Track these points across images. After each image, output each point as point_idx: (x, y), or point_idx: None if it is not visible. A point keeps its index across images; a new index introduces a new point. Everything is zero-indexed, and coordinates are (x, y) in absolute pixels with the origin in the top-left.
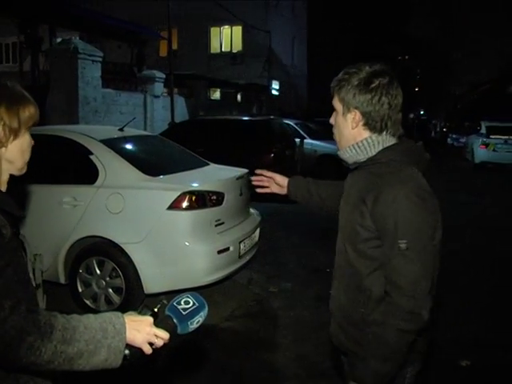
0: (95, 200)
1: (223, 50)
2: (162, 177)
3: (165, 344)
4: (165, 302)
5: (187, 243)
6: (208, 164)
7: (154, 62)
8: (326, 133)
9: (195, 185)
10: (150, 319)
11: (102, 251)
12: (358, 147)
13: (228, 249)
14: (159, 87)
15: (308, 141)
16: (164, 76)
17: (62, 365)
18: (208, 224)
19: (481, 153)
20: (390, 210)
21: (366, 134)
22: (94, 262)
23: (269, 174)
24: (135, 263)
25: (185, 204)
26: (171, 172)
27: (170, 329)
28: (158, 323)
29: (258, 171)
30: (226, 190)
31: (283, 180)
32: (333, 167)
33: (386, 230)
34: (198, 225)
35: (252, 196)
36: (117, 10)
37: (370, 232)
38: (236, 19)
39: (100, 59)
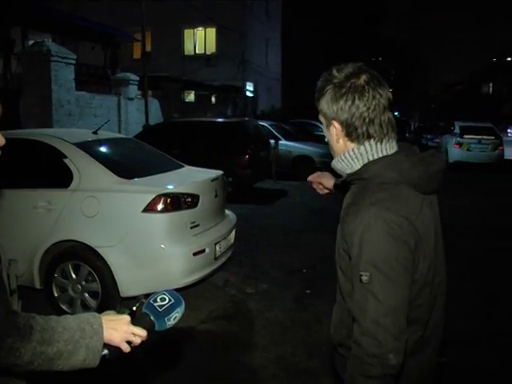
0: (70, 204)
1: (197, 51)
2: (136, 179)
3: (143, 342)
4: (143, 300)
5: (163, 246)
6: (183, 166)
7: (127, 65)
8: (301, 134)
9: (170, 187)
10: (127, 318)
11: (78, 255)
12: (342, 160)
13: (204, 251)
14: (133, 89)
15: (283, 142)
16: (138, 78)
17: (41, 365)
18: (183, 226)
19: (455, 152)
20: (356, 235)
21: (351, 145)
22: (70, 266)
23: (315, 179)
24: (111, 267)
25: (160, 206)
26: (146, 175)
27: (148, 326)
28: (135, 321)
29: (309, 178)
30: (200, 191)
31: (328, 182)
32: (308, 168)
33: (352, 255)
34: (174, 227)
35: (227, 198)
36: (90, 11)
37: (347, 254)
38: (210, 21)
39: (73, 61)
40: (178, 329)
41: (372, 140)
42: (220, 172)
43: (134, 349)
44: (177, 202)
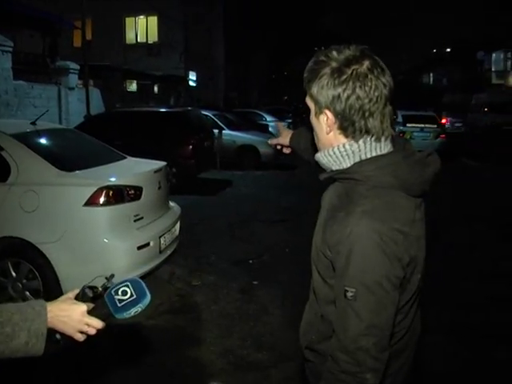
0: (8, 198)
1: (139, 40)
2: (77, 172)
3: (99, 330)
4: (110, 283)
5: (106, 240)
6: (125, 157)
7: (68, 53)
8: (245, 123)
9: (112, 179)
10: (83, 308)
11: (17, 252)
12: (330, 156)
13: (148, 244)
14: (74, 79)
15: (227, 132)
16: (78, 67)
17: None
18: (127, 219)
19: None
20: (343, 245)
21: (343, 139)
22: (9, 264)
23: (274, 142)
24: (52, 263)
25: (102, 200)
26: (87, 167)
27: (105, 317)
28: (94, 309)
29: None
30: (144, 183)
31: (285, 141)
32: (252, 158)
33: (337, 266)
34: (117, 221)
35: (171, 189)
36: None
37: (329, 260)
38: (151, 9)
39: (10, 49)
40: (124, 325)
41: (368, 137)
42: (163, 163)
43: (90, 337)
44: (119, 195)
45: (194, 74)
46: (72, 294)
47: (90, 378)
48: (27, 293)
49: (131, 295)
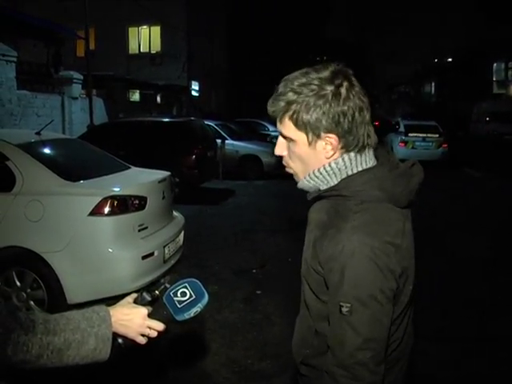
0: (13, 208)
1: (142, 50)
2: (82, 182)
3: (161, 332)
4: (167, 285)
5: (110, 250)
6: (129, 167)
7: (71, 63)
8: (247, 133)
9: (117, 189)
10: (143, 312)
11: (22, 262)
12: (317, 177)
13: (152, 254)
14: (77, 88)
15: (229, 142)
16: (82, 77)
17: (51, 358)
18: (131, 229)
19: (400, 150)
20: (336, 262)
21: (339, 156)
22: (14, 273)
23: None
24: (57, 273)
25: (106, 209)
26: (92, 177)
27: (166, 319)
28: (153, 312)
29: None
30: (148, 193)
31: None
32: (255, 168)
33: (330, 282)
34: (121, 230)
35: (175, 199)
36: (30, 7)
37: (321, 276)
38: (154, 19)
39: (14, 59)
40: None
41: (364, 145)
42: (167, 173)
43: (152, 339)
44: (124, 205)
45: (197, 83)
46: (131, 299)
47: None
48: (32, 303)
49: (190, 296)
